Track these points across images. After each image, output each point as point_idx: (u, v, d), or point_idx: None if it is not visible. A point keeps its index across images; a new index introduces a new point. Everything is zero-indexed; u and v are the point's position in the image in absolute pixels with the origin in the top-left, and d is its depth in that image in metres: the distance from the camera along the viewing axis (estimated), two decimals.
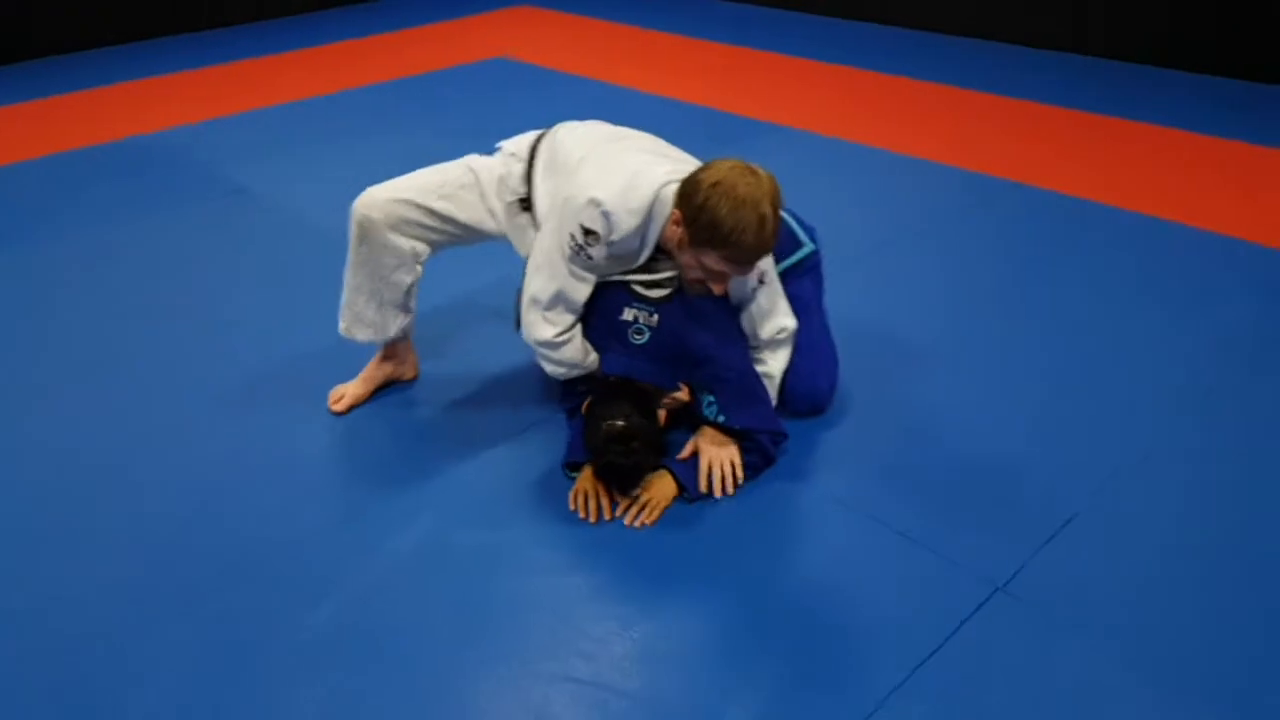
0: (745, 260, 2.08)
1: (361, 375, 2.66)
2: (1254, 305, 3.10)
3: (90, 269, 3.49)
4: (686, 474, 2.31)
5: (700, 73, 5.76)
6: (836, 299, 2.71)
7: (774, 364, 2.44)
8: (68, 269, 3.50)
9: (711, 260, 2.06)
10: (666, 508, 2.28)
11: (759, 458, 2.36)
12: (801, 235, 2.58)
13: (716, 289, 2.17)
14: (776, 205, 2.04)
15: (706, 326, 2.31)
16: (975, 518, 2.23)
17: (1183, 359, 2.83)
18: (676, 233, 2.10)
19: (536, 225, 2.39)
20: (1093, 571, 2.07)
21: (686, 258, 2.13)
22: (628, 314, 2.30)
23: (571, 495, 2.27)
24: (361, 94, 5.47)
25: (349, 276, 2.49)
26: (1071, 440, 2.49)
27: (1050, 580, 2.04)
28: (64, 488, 2.38)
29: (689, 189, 2.05)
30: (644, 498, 2.28)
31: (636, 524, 2.23)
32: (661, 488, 2.31)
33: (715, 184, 2.00)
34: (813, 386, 2.55)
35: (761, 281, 2.31)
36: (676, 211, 2.08)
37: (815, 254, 2.61)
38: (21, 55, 6.16)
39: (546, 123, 2.53)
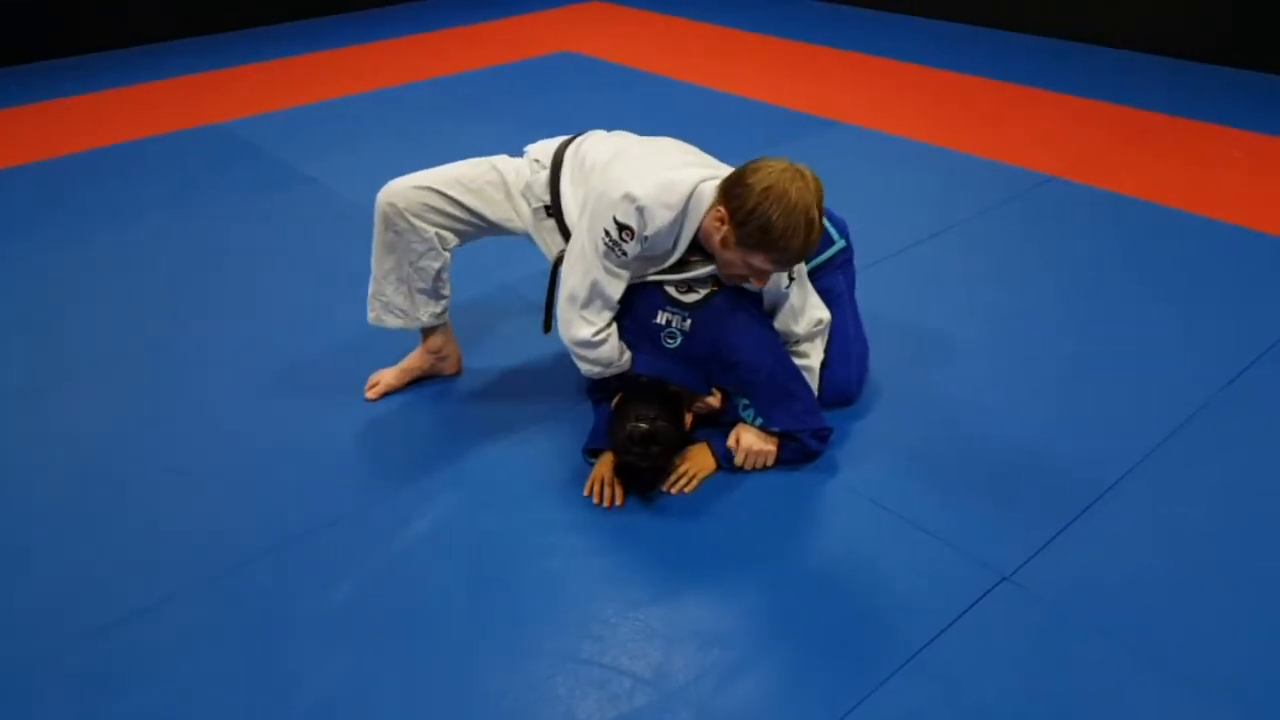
0: (793, 261, 2.16)
1: (400, 365, 2.73)
2: None
3: (148, 256, 3.63)
4: (725, 448, 2.38)
5: (760, 68, 5.79)
6: (872, 293, 2.73)
7: (814, 356, 2.47)
8: (126, 255, 3.64)
9: (759, 260, 2.12)
10: (705, 479, 2.35)
11: (799, 455, 2.40)
12: (833, 232, 2.59)
13: (758, 284, 2.22)
14: (821, 207, 2.10)
15: (738, 331, 2.33)
16: (989, 509, 2.24)
17: (1207, 355, 2.81)
18: (721, 230, 2.13)
19: (563, 231, 2.43)
20: (1101, 565, 2.08)
21: (731, 255, 2.16)
22: (661, 317, 2.33)
23: (588, 482, 2.33)
24: (427, 87, 5.59)
25: (376, 264, 2.55)
26: (1089, 435, 2.49)
27: (1057, 572, 2.05)
28: (97, 470, 2.48)
29: (739, 190, 2.08)
30: (684, 468, 2.35)
31: (674, 491, 2.32)
32: (702, 460, 2.38)
33: (768, 189, 2.05)
34: (842, 378, 2.57)
35: (791, 279, 2.34)
36: (722, 210, 2.11)
37: (847, 249, 2.62)
38: (81, 49, 6.41)
39: (605, 115, 2.56)
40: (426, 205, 2.45)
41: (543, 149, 2.50)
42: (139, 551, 2.21)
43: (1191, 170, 4.11)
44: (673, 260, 2.29)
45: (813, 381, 2.45)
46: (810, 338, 2.45)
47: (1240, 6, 5.35)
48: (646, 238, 2.18)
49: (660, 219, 2.16)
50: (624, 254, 2.21)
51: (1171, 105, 4.85)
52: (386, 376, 2.71)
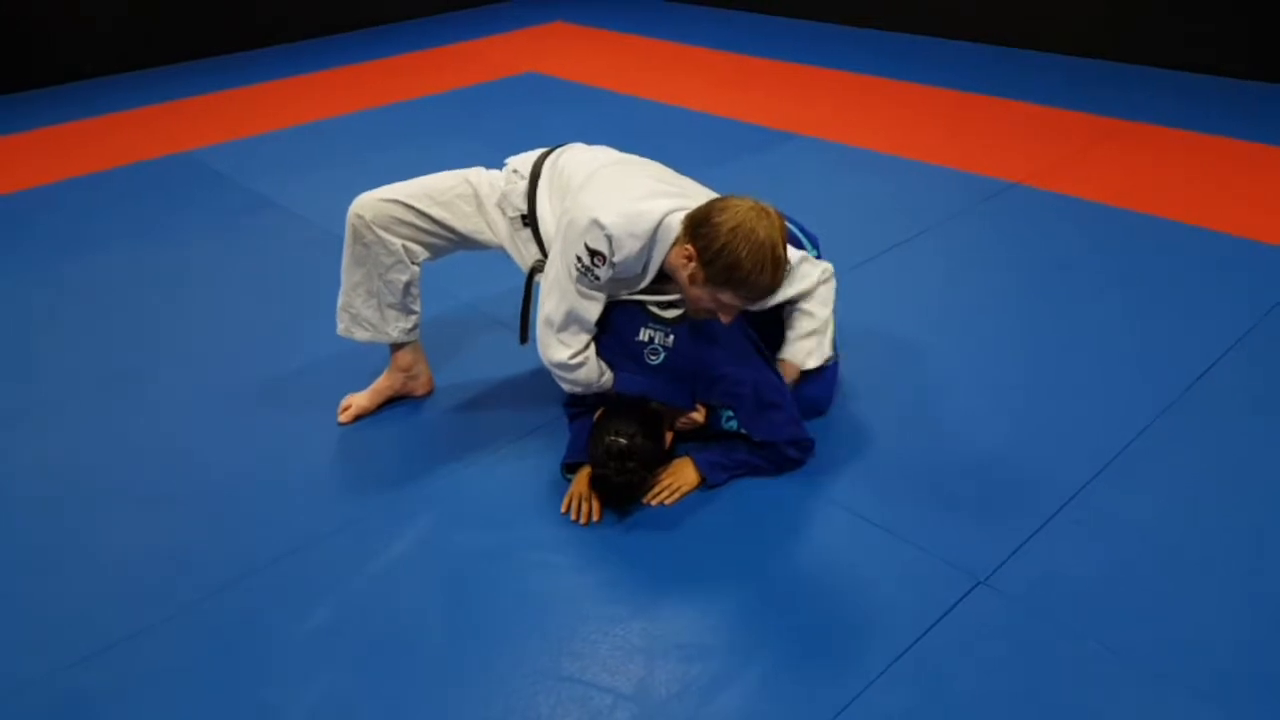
0: (760, 298, 2.18)
1: (371, 387, 2.72)
2: (1249, 304, 3.11)
3: (115, 283, 3.61)
4: (708, 463, 2.39)
5: (721, 83, 5.83)
6: (840, 302, 2.72)
7: (820, 311, 2.43)
8: (97, 283, 3.61)
9: (728, 297, 2.13)
10: (687, 494, 2.36)
11: (779, 465, 2.41)
12: (807, 246, 2.61)
13: (726, 319, 2.21)
14: (785, 244, 2.12)
15: (720, 345, 2.33)
16: (962, 514, 2.26)
17: (1171, 356, 2.85)
18: (689, 267, 2.14)
19: (540, 242, 2.44)
20: (1073, 566, 2.10)
21: (699, 292, 2.16)
22: (644, 334, 2.33)
23: (565, 498, 2.33)
24: (392, 111, 5.58)
25: (345, 276, 2.55)
26: (1058, 437, 2.52)
27: (1031, 574, 2.08)
28: (66, 500, 2.46)
29: (707, 230, 2.08)
30: (667, 481, 2.36)
31: (654, 503, 2.33)
32: (685, 474, 2.39)
33: (735, 228, 2.05)
34: (813, 393, 2.58)
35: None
36: (690, 247, 2.11)
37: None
38: (50, 80, 6.38)
39: (571, 134, 2.56)
40: (394, 218, 2.45)
41: (522, 160, 2.51)
42: (112, 583, 2.18)
43: (1151, 174, 4.18)
44: (644, 284, 2.31)
45: (826, 337, 2.43)
46: (812, 293, 2.43)
47: (1190, 14, 5.47)
48: (615, 263, 2.20)
49: (628, 247, 2.17)
50: (597, 278, 2.22)
51: (1128, 110, 4.93)
52: (358, 399, 2.70)
